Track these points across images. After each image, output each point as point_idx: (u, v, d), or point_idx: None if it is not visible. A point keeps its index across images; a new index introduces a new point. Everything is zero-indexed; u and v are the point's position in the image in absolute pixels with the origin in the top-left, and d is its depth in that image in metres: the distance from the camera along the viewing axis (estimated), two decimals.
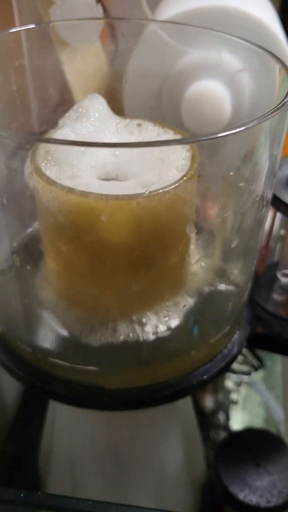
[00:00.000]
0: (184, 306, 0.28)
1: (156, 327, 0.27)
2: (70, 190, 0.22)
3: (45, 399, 0.41)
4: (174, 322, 0.27)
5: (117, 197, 0.22)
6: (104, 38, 0.36)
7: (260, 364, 0.52)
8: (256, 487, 0.38)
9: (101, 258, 0.24)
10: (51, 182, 0.23)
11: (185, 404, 0.37)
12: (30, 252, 0.30)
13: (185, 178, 0.23)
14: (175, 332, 0.27)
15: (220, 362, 0.28)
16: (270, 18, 0.36)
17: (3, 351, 0.28)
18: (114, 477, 0.37)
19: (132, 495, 0.39)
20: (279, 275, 0.36)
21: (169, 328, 0.27)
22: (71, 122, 0.27)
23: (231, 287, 0.29)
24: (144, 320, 0.27)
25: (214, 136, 0.18)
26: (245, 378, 0.54)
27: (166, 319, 0.27)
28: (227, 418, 0.52)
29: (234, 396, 0.55)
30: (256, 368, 0.53)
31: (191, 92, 0.35)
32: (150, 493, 0.39)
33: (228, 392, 0.55)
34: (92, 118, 0.28)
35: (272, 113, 0.20)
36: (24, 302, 0.28)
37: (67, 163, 0.23)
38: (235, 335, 0.29)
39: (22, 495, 0.22)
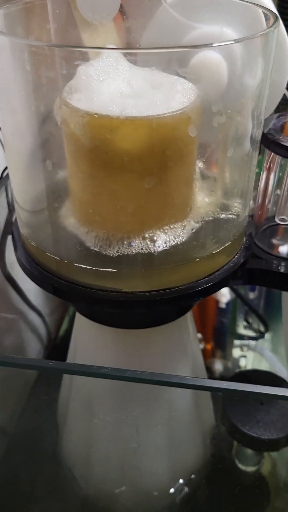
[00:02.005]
0: (190, 228, 0.32)
1: (165, 243, 0.31)
2: (93, 114, 0.27)
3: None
4: (181, 240, 0.31)
5: (133, 119, 0.27)
6: (116, 18, 0.41)
7: (266, 329, 0.56)
8: (259, 421, 0.41)
9: (118, 174, 0.29)
10: (76, 109, 0.28)
11: (193, 342, 0.41)
12: (57, 191, 0.35)
13: (191, 103, 0.28)
14: (181, 248, 0.31)
15: (222, 275, 0.32)
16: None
17: (33, 265, 0.32)
18: (125, 410, 0.41)
19: (142, 431, 0.42)
20: (277, 220, 0.40)
21: (176, 245, 0.31)
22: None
23: (231, 216, 0.33)
24: (155, 237, 0.31)
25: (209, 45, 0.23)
26: (252, 344, 0.58)
27: (173, 237, 0.31)
28: None
29: (242, 362, 0.58)
30: (262, 333, 0.57)
31: (195, 61, 0.40)
32: (160, 430, 0.43)
33: (236, 359, 0.58)
34: (110, 57, 0.32)
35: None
36: (53, 228, 0.33)
37: (87, 90, 0.28)
38: (236, 255, 0.33)
39: (51, 363, 0.26)
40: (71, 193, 0.33)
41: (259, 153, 0.55)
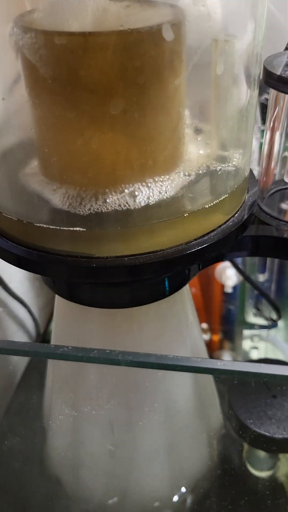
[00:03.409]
0: (179, 181, 0.26)
1: (148, 198, 0.25)
2: (47, 33, 0.22)
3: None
4: (167, 195, 0.26)
5: (98, 35, 0.22)
6: None
7: (278, 316, 0.50)
8: (272, 418, 0.35)
9: (88, 111, 0.23)
10: (28, 29, 0.23)
11: (193, 324, 0.35)
12: (19, 148, 0.29)
13: (171, 21, 0.22)
14: (167, 201, 0.25)
15: (218, 235, 0.26)
16: None
17: None
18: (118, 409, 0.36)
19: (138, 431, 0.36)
20: (287, 179, 0.35)
21: (162, 200, 0.25)
22: None
23: (227, 169, 0.28)
24: (135, 192, 0.26)
25: None
26: (263, 333, 0.52)
27: (158, 192, 0.26)
28: None
29: (253, 354, 0.52)
30: (275, 321, 0.51)
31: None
32: (158, 430, 0.37)
33: (246, 351, 0.53)
34: None
35: None
36: (15, 187, 0.28)
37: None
38: (236, 214, 0.27)
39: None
40: (36, 144, 0.27)
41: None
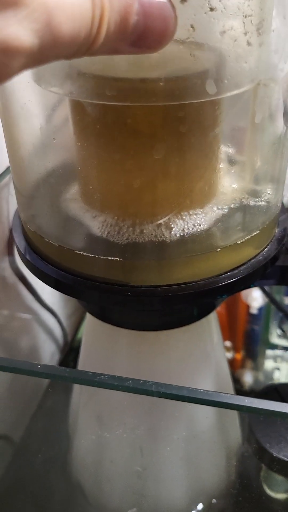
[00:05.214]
0: (212, 215, 0.28)
1: (183, 230, 0.27)
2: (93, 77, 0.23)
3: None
4: (201, 228, 0.27)
5: (146, 82, 0.23)
6: None
7: None
8: None
9: (126, 144, 0.24)
10: (80, 72, 0.24)
11: (218, 348, 0.37)
12: (62, 174, 0.31)
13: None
14: (200, 236, 0.26)
15: (248, 269, 0.27)
16: None
17: (32, 255, 0.28)
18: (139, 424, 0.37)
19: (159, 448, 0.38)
20: None
21: (195, 233, 0.27)
22: None
23: (260, 203, 0.29)
24: (171, 224, 0.27)
25: None
26: (286, 355, 0.52)
27: (192, 224, 0.27)
28: None
29: (276, 374, 0.53)
30: None
31: None
32: (178, 448, 0.38)
33: (269, 372, 0.53)
34: None
35: None
36: (56, 213, 0.29)
37: None
38: (266, 248, 0.28)
39: (39, 366, 0.22)
40: (78, 173, 0.29)
41: None
